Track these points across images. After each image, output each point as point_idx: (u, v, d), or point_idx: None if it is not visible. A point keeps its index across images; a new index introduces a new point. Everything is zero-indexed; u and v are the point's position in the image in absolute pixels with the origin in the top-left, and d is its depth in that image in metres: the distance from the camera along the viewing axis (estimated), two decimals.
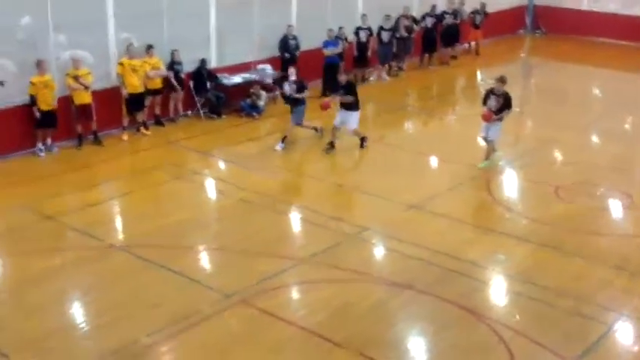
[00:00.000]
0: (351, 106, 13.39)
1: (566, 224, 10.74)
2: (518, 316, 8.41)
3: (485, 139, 12.92)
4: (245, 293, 8.62)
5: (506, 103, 12.59)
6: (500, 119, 12.69)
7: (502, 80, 12.69)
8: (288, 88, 13.87)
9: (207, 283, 8.89)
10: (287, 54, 16.94)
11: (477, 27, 22.02)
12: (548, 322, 8.26)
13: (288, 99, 13.96)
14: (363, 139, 13.66)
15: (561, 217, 11.04)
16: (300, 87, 13.80)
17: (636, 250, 10.11)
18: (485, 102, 12.77)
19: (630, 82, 20.27)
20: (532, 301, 8.70)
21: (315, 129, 14.17)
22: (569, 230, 10.56)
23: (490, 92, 12.74)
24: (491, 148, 12.94)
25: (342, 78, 13.80)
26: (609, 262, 9.68)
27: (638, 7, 24.02)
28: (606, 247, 10.23)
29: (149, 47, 14.32)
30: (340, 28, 17.67)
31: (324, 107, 13.52)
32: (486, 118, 12.65)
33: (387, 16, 18.99)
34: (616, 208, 11.72)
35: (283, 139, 13.64)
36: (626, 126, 16.33)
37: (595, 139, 15.40)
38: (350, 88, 13.52)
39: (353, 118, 13.43)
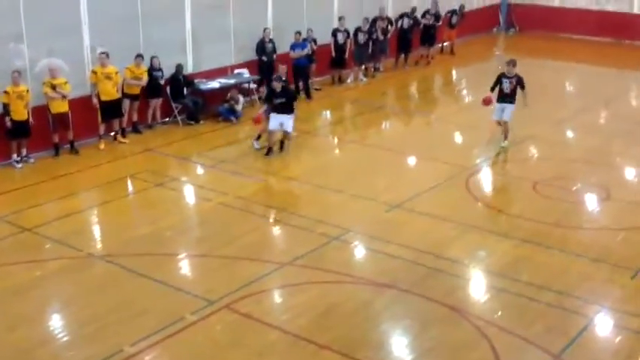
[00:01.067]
0: (288, 109, 13.34)
1: (546, 219, 10.84)
2: (500, 312, 8.47)
3: (499, 122, 13.77)
4: (229, 299, 8.59)
5: (519, 84, 13.52)
6: (512, 101, 13.62)
7: (512, 63, 13.57)
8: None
9: (190, 290, 8.84)
10: (264, 57, 16.94)
11: (452, 27, 22.20)
12: (531, 317, 8.33)
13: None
14: (283, 143, 13.55)
15: (540, 212, 11.14)
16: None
17: (615, 243, 10.24)
18: (494, 87, 13.73)
19: (603, 76, 20.52)
20: (514, 297, 8.77)
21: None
22: (549, 225, 10.66)
23: (501, 76, 13.67)
24: (507, 129, 13.76)
25: (276, 85, 13.39)
26: (590, 255, 9.80)
27: (610, 3, 24.36)
28: (586, 240, 10.35)
29: (137, 56, 14.33)
30: (309, 30, 17.69)
31: (256, 121, 13.54)
32: (487, 103, 13.68)
33: (366, 19, 19.10)
34: (594, 201, 11.85)
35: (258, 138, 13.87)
36: (601, 120, 16.56)
37: (570, 133, 15.56)
38: (287, 94, 13.52)
39: (290, 121, 13.38)
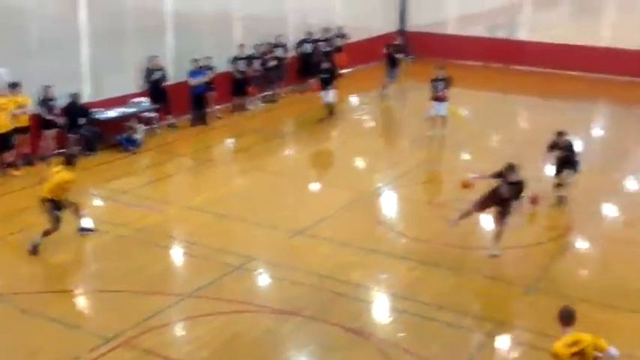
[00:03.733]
0: (330, 83, 17.88)
1: (442, 240, 11.14)
2: (402, 333, 8.62)
3: (435, 116, 16.41)
4: (128, 334, 8.35)
5: (448, 83, 16.43)
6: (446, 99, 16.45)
7: (442, 67, 16.70)
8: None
9: (87, 328, 8.56)
10: (147, 84, 16.62)
11: (340, 50, 22.28)
12: (430, 336, 8.53)
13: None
14: (331, 111, 18.04)
15: (437, 233, 11.44)
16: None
17: (509, 261, 10.63)
18: (436, 89, 16.43)
19: (497, 101, 21.40)
20: (414, 317, 8.96)
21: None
22: (446, 246, 10.96)
23: (433, 80, 16.46)
24: (444, 122, 16.50)
25: (325, 65, 18.23)
26: (485, 273, 10.14)
27: (500, 31, 25.54)
28: (481, 259, 10.68)
29: (13, 85, 13.70)
30: (207, 57, 17.59)
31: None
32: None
33: (258, 45, 19.27)
34: (488, 222, 12.23)
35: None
36: (494, 143, 17.22)
37: (465, 156, 16.10)
38: (330, 72, 17.95)
39: (332, 93, 17.93)
